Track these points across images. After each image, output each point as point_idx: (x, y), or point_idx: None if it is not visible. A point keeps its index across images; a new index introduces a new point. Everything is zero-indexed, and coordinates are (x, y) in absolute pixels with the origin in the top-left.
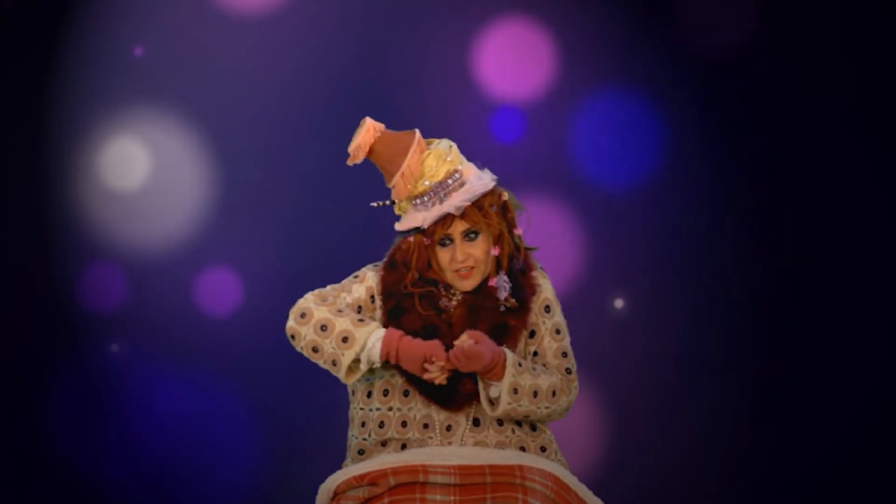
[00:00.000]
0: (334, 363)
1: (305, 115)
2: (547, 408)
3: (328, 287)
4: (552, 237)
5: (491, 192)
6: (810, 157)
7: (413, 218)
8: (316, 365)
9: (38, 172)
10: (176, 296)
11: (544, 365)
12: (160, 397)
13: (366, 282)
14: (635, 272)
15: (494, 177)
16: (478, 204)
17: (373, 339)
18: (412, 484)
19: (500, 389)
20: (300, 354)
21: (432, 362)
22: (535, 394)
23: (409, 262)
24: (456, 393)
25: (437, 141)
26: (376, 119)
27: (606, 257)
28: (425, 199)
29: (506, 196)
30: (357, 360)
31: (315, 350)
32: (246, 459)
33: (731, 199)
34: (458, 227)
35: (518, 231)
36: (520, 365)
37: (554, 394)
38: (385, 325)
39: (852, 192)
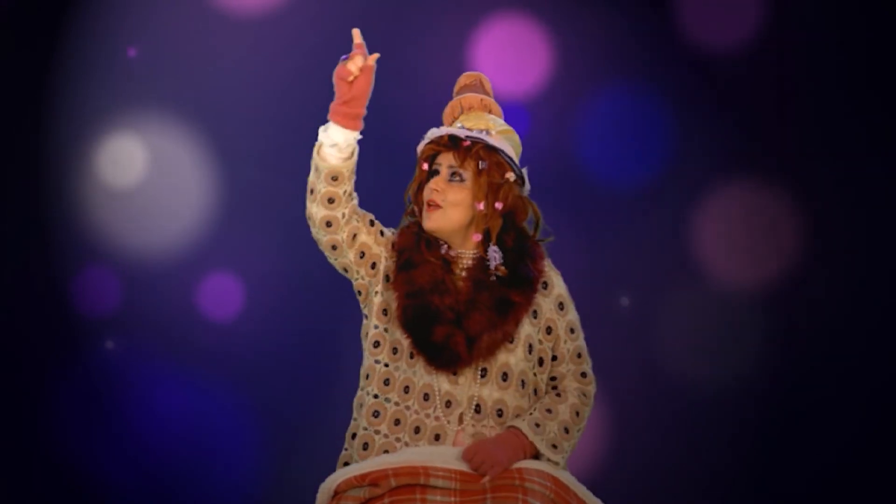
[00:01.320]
0: (316, 166)
1: (305, 116)
2: (579, 429)
3: None
4: (556, 234)
5: (491, 153)
6: (817, 154)
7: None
8: (316, 366)
9: (38, 175)
10: (177, 299)
11: (553, 379)
12: (160, 399)
13: (386, 233)
14: (638, 270)
15: (523, 172)
16: (475, 152)
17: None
18: (412, 485)
19: (543, 458)
20: (300, 356)
21: (347, 70)
22: (567, 430)
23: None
24: (448, 351)
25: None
26: (374, 119)
27: (609, 255)
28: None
29: (511, 178)
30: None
31: (311, 185)
32: (246, 460)
33: (735, 195)
34: (447, 160)
35: (499, 206)
36: (537, 426)
37: (578, 414)
38: (395, 279)
39: (859, 189)
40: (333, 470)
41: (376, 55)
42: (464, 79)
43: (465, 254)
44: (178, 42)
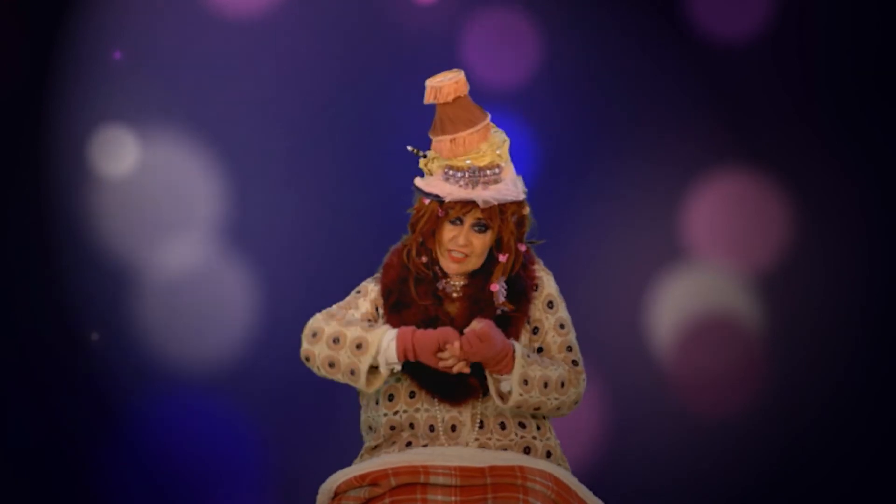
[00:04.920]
0: (352, 372)
1: (301, 116)
2: (556, 399)
3: (334, 306)
4: (556, 228)
5: (518, 203)
6: (809, 142)
7: (440, 186)
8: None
9: (37, 177)
10: (180, 307)
11: (551, 359)
12: (158, 399)
13: (369, 295)
14: (633, 262)
15: (525, 189)
16: (502, 206)
17: (387, 339)
18: (413, 484)
19: (510, 383)
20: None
21: (445, 349)
22: (546, 384)
23: (416, 225)
24: (459, 385)
25: (495, 127)
26: (371, 116)
27: (606, 252)
28: (458, 175)
29: (527, 211)
30: (375, 367)
31: (331, 365)
32: (247, 461)
33: (728, 185)
34: (474, 215)
35: (522, 248)
36: (528, 356)
37: (563, 385)
38: (387, 322)
39: (859, 185)
40: (334, 471)
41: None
42: (452, 85)
43: (459, 278)
44: (165, 44)
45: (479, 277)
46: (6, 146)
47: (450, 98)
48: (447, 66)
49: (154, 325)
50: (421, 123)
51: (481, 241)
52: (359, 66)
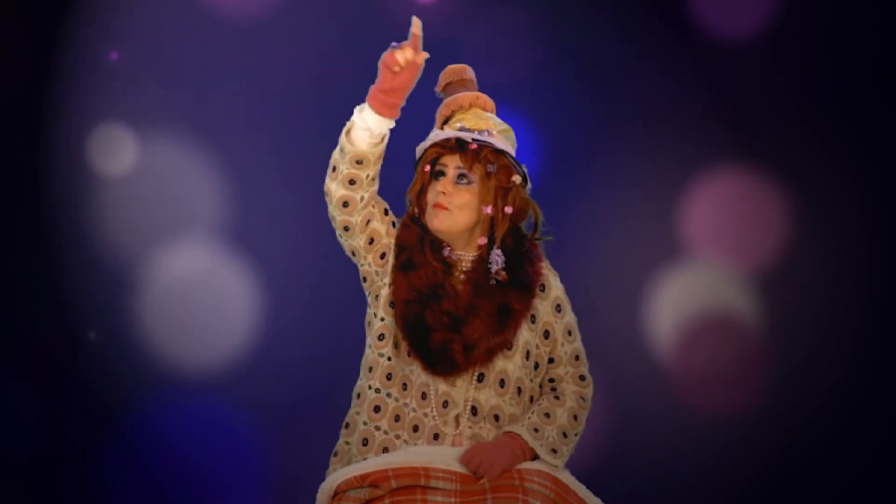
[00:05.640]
0: (342, 147)
1: (306, 118)
2: (577, 433)
3: None
4: (556, 227)
5: (498, 156)
6: (808, 140)
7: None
8: (317, 369)
9: (37, 179)
10: (180, 307)
11: (552, 381)
12: (157, 399)
13: (392, 217)
14: (632, 261)
15: (525, 171)
16: (481, 155)
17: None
18: (413, 486)
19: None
20: (302, 362)
21: (394, 59)
22: (565, 434)
23: (410, 194)
24: (441, 354)
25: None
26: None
27: (606, 250)
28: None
29: (517, 180)
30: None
31: (334, 163)
32: (247, 460)
33: (724, 185)
34: (453, 162)
35: (509, 210)
36: (536, 430)
37: (575, 418)
38: (393, 280)
39: (859, 185)
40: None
41: (426, 55)
42: (449, 74)
43: (466, 256)
44: (164, 44)
45: (483, 264)
46: (6, 146)
47: (454, 77)
48: (447, 66)
49: (154, 325)
50: (421, 123)
51: (461, 194)
52: (359, 66)
